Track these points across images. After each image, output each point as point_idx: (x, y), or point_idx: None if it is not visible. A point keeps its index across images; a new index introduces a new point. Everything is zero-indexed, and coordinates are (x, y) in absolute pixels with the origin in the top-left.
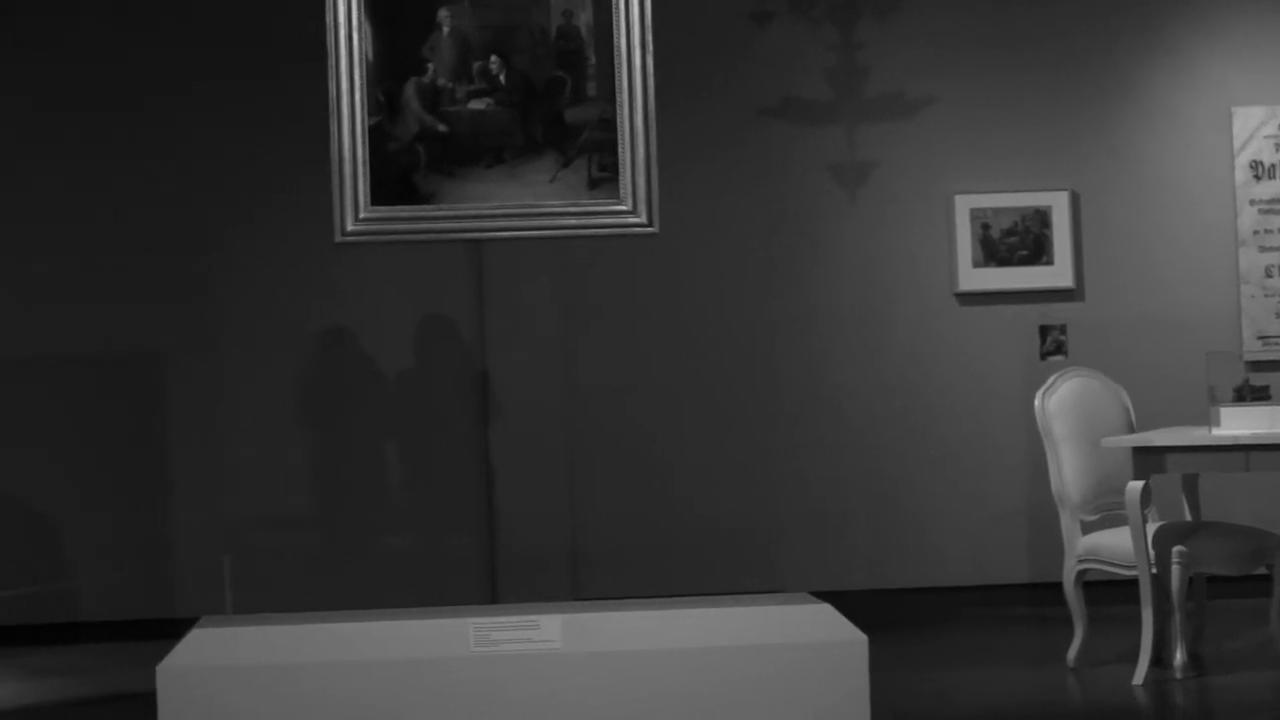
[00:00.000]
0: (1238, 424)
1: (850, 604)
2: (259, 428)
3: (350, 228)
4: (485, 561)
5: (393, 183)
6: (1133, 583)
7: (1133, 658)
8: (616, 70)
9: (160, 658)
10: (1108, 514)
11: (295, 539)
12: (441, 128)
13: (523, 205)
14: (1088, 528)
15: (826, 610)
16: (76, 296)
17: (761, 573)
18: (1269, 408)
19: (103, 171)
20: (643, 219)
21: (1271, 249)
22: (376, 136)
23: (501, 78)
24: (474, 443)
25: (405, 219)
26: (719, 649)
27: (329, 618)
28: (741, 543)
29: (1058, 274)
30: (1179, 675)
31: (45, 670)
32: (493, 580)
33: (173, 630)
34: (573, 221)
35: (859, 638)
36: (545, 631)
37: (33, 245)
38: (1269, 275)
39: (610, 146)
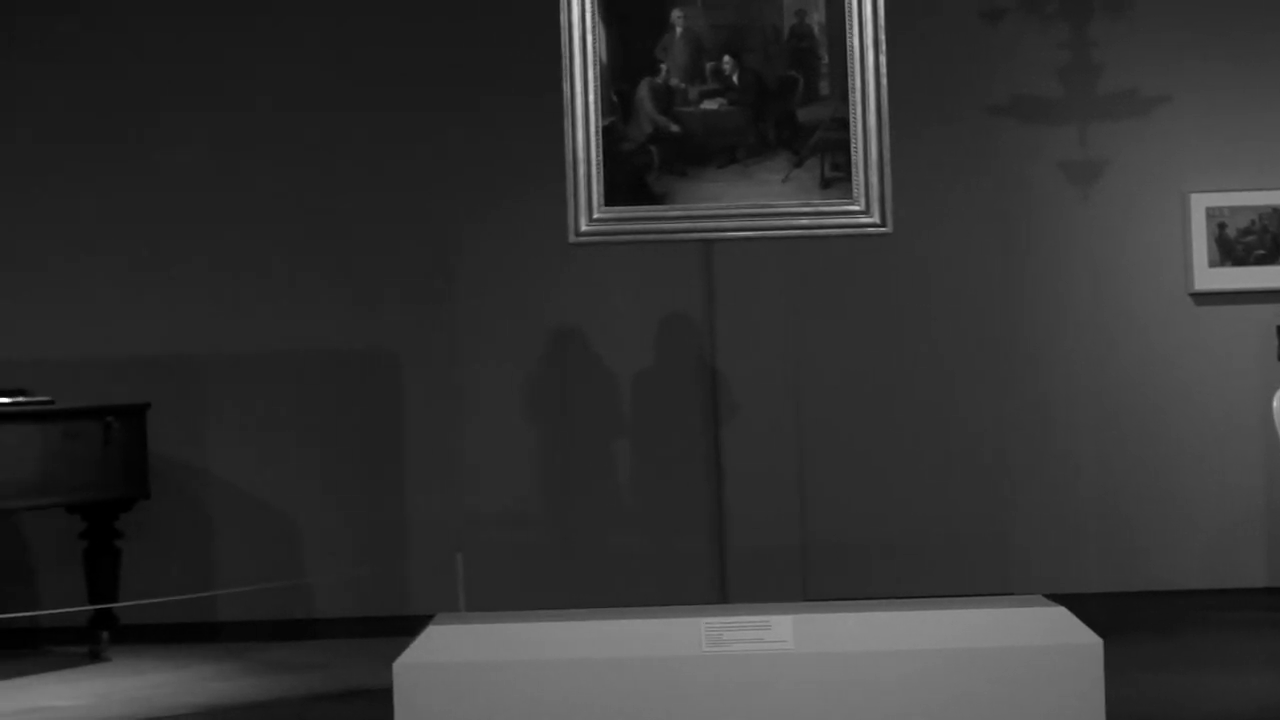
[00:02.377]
0: None
1: (1085, 607)
2: (493, 426)
3: (584, 228)
4: (715, 561)
5: (626, 183)
6: None
7: None
8: (849, 69)
9: (395, 654)
10: None
11: (527, 537)
12: (674, 128)
13: (755, 205)
14: None
15: (1061, 613)
16: (315, 296)
17: (994, 574)
18: None
19: (340, 171)
20: (876, 219)
21: None
22: (610, 137)
23: (734, 78)
24: (704, 442)
25: (638, 219)
26: (951, 651)
27: (562, 616)
28: (974, 544)
29: None
30: None
31: (282, 666)
32: (722, 580)
33: (406, 627)
34: (805, 221)
35: (1094, 641)
36: (776, 632)
37: (274, 246)
38: None
39: (843, 146)
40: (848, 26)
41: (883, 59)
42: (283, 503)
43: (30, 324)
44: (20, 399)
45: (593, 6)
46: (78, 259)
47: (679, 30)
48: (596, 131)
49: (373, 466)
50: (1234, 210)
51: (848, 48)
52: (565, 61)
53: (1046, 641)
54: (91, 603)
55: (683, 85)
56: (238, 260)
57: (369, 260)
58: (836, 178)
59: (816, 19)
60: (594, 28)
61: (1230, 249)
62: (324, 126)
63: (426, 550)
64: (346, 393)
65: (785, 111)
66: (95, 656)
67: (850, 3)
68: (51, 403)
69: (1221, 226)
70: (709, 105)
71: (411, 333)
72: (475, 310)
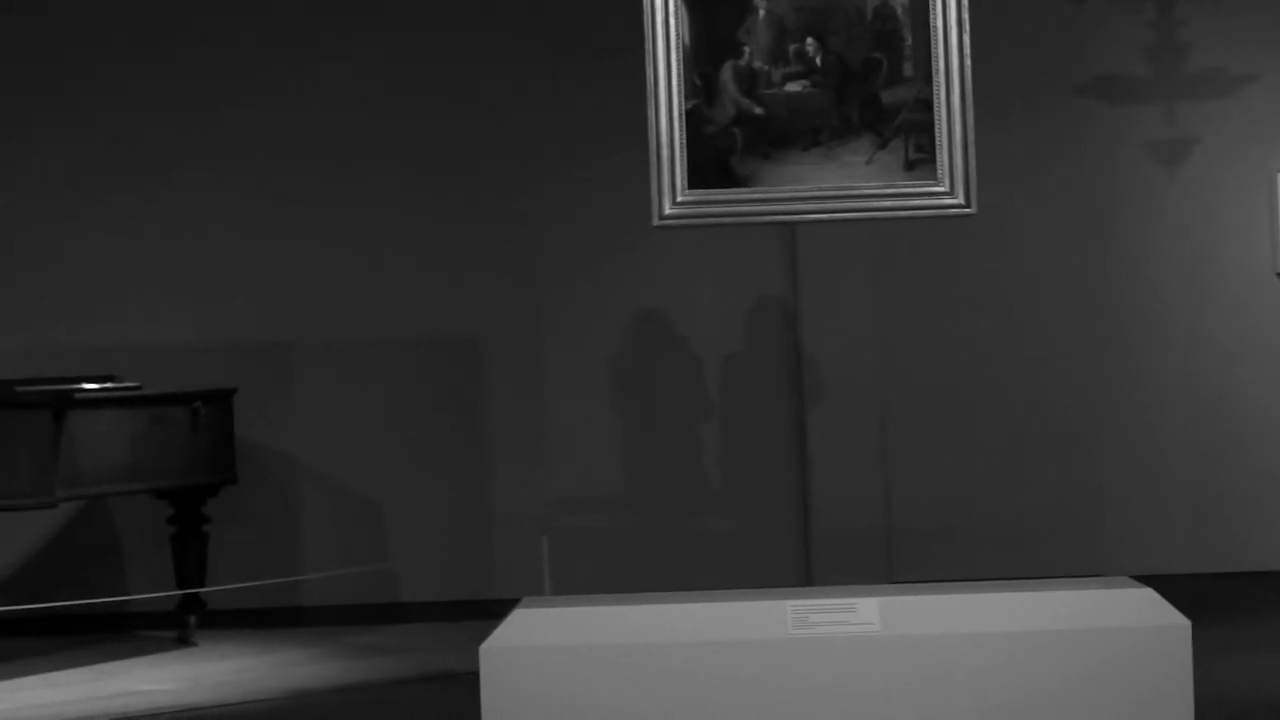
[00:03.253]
0: None
1: (1173, 588)
2: (577, 409)
3: (668, 211)
4: (800, 544)
5: (710, 166)
6: None
7: None
8: (933, 50)
9: (481, 638)
10: None
11: (612, 520)
12: (758, 110)
13: (839, 187)
14: None
15: (1148, 594)
16: (401, 281)
17: (1081, 556)
18: None
19: (423, 159)
20: (960, 200)
21: None
22: (693, 120)
23: (817, 60)
24: (789, 425)
25: (722, 202)
26: (1038, 633)
27: (648, 599)
28: (1060, 526)
29: None
30: None
31: (369, 650)
32: (807, 563)
33: (492, 610)
34: (889, 203)
35: (1182, 623)
36: (862, 614)
37: (359, 232)
38: None
39: (927, 127)
40: (931, 7)
41: (967, 39)
42: (369, 487)
43: (118, 310)
44: (109, 385)
45: None
46: (165, 246)
47: (762, 12)
48: (680, 114)
49: (458, 450)
50: None
51: (931, 28)
52: (648, 44)
53: (1134, 623)
54: (179, 587)
55: (766, 67)
56: (323, 246)
57: (453, 245)
58: (920, 159)
59: (900, 0)
60: (676, 10)
61: None
62: (406, 114)
63: (512, 534)
64: (432, 377)
65: (869, 93)
66: (183, 641)
67: None
68: (140, 388)
69: None
70: (792, 87)
71: (496, 317)
72: (559, 294)
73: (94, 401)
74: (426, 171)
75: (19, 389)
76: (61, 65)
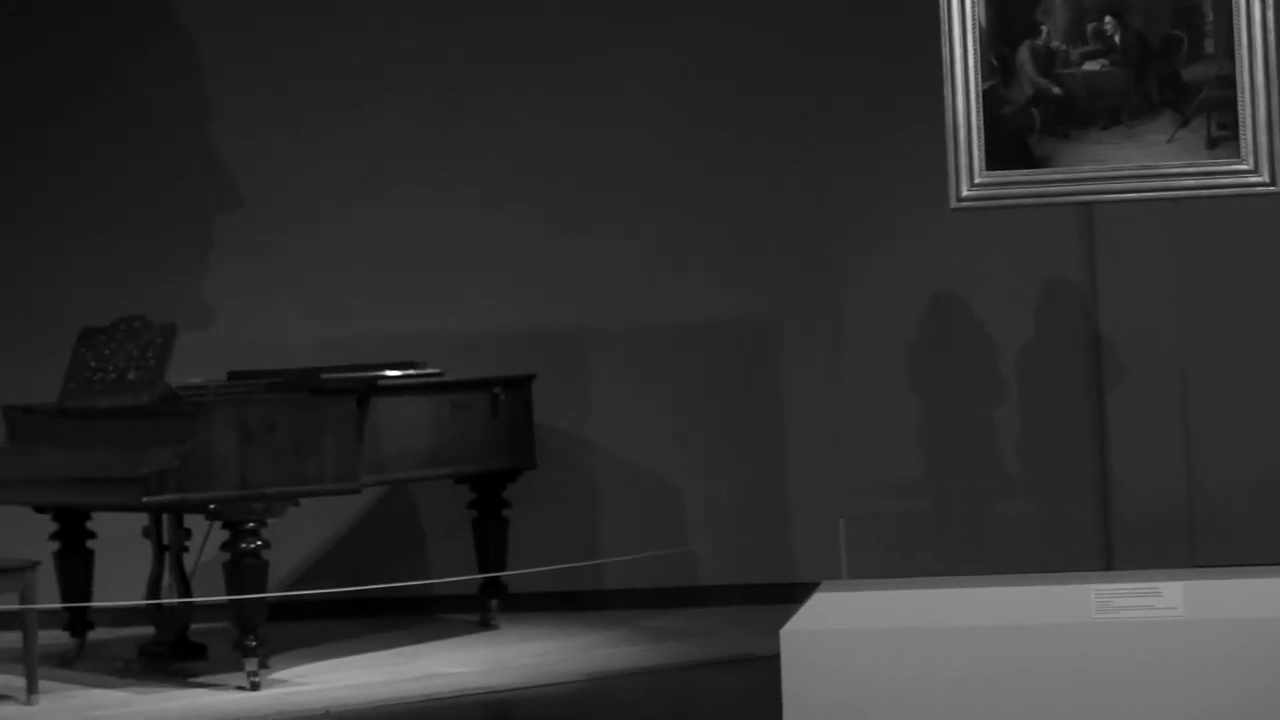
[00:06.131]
0: None
1: None
2: (873, 393)
3: (965, 193)
4: (1100, 528)
5: (1007, 147)
6: None
7: None
8: (1235, 25)
9: (780, 621)
10: None
11: (908, 504)
12: (1056, 90)
13: (1140, 167)
14: None
15: None
16: (695, 266)
17: None
18: None
19: (717, 143)
20: (1265, 178)
21: None
22: (990, 101)
23: (1116, 38)
24: (1088, 408)
25: (1020, 183)
26: None
27: (948, 583)
28: None
29: None
30: None
31: (668, 633)
32: (1108, 547)
33: (790, 594)
34: (1191, 182)
35: None
36: (1168, 599)
37: (654, 218)
38: None
39: (1229, 104)
40: None
41: (1270, 14)
42: (666, 471)
43: (420, 297)
44: (411, 371)
45: None
46: (465, 234)
47: None
48: (977, 96)
49: (755, 434)
50: None
51: (1233, 3)
52: (944, 26)
53: None
54: (481, 571)
55: (1064, 47)
56: (619, 233)
57: (748, 230)
58: (1223, 137)
59: None
60: None
61: None
62: (699, 99)
63: (809, 518)
64: (728, 361)
65: (1169, 71)
66: (485, 624)
67: None
68: (441, 375)
69: None
70: (1091, 66)
71: (791, 301)
72: (855, 278)
73: (397, 388)
74: (720, 156)
75: (324, 376)
76: (350, 61)
